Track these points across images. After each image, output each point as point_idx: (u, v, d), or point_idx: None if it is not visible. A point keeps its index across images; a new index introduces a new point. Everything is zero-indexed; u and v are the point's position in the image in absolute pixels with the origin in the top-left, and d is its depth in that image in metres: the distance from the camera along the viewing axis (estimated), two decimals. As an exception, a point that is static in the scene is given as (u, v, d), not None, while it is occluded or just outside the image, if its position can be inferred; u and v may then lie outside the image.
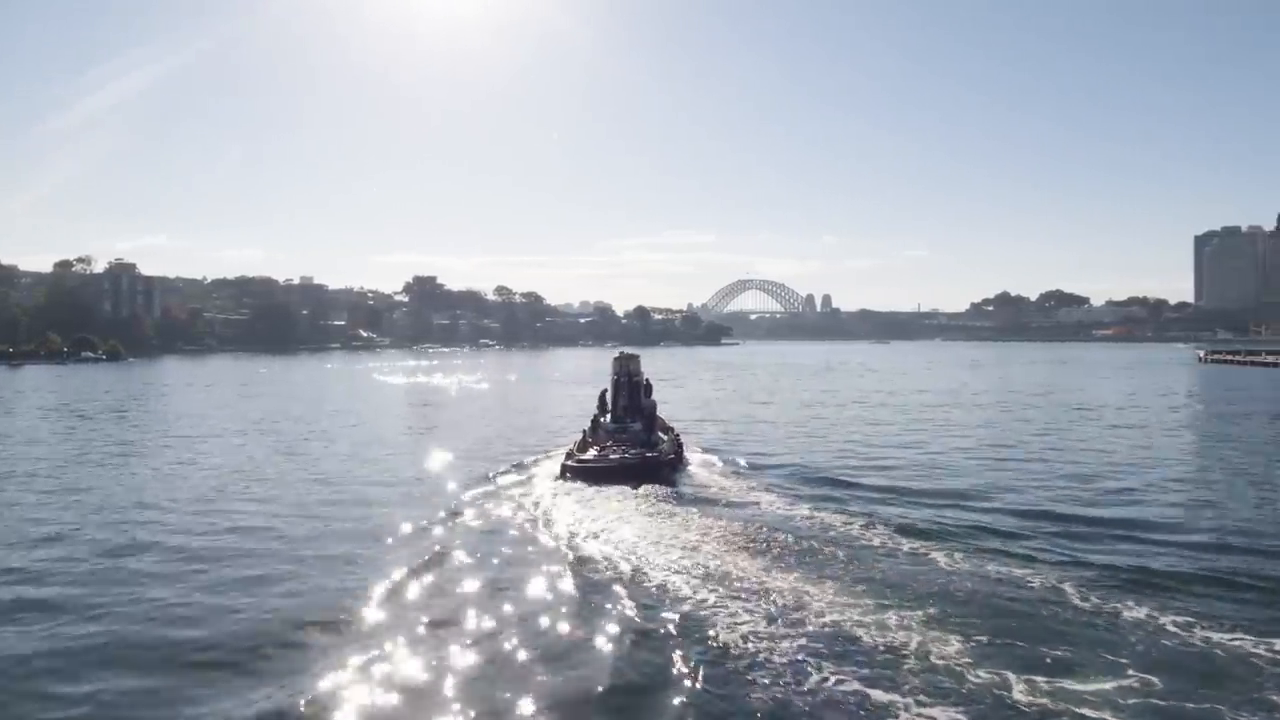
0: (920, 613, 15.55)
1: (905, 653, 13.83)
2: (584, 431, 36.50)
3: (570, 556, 20.16)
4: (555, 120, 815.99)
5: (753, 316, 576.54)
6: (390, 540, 22.40)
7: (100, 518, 25.62)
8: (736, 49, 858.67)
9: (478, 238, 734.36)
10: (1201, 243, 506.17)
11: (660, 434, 36.16)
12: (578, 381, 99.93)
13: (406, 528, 23.60)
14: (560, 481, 30.28)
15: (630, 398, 37.69)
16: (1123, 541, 21.51)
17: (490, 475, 32.28)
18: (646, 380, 38.95)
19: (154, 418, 60.73)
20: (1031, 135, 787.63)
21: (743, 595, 16.72)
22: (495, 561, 20.15)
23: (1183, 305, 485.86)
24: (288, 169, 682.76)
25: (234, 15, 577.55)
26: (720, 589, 17.12)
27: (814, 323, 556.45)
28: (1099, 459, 36.85)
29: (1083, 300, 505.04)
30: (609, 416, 37.45)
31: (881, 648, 14.06)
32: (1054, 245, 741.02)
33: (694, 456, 36.07)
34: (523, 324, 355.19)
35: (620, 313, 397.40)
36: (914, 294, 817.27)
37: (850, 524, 22.93)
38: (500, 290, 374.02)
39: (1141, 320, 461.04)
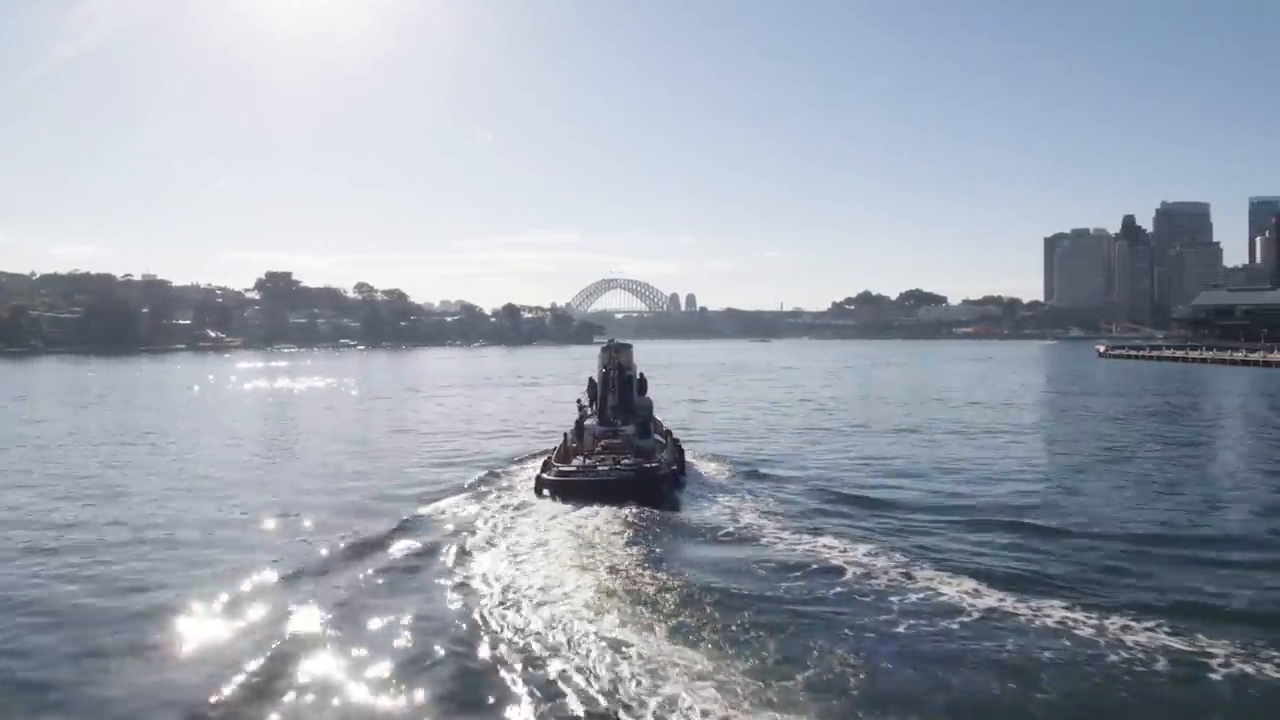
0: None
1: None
2: (566, 435, 32.55)
3: (507, 623, 15.51)
4: (415, 117, 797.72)
5: (618, 316, 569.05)
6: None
7: None
8: (596, 48, 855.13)
9: (336, 236, 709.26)
10: (1051, 244, 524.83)
11: (657, 438, 32.12)
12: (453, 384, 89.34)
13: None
14: (535, 497, 26.29)
15: (621, 395, 33.35)
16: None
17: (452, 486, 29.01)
18: (640, 375, 34.74)
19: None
20: (886, 137, 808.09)
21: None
22: (402, 623, 15.92)
23: (1035, 304, 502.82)
24: (130, 163, 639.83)
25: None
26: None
27: (682, 322, 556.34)
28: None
29: (941, 299, 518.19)
30: (595, 417, 32.73)
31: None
32: (911, 246, 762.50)
33: (703, 467, 32.58)
34: (386, 323, 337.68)
35: (489, 311, 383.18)
36: (775, 293, 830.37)
37: (882, 568, 18.49)
38: (361, 287, 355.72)
39: (997, 318, 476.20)
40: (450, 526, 23.23)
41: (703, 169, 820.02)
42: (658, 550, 20.29)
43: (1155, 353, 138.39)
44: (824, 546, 20.29)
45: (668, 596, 16.65)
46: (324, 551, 20.91)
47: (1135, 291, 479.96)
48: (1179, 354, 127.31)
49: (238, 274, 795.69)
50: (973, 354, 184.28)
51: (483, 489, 28.77)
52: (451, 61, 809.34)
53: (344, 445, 43.90)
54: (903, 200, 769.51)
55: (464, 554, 20.20)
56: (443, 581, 18.34)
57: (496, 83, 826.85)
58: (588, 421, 32.21)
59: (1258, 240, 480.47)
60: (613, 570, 18.48)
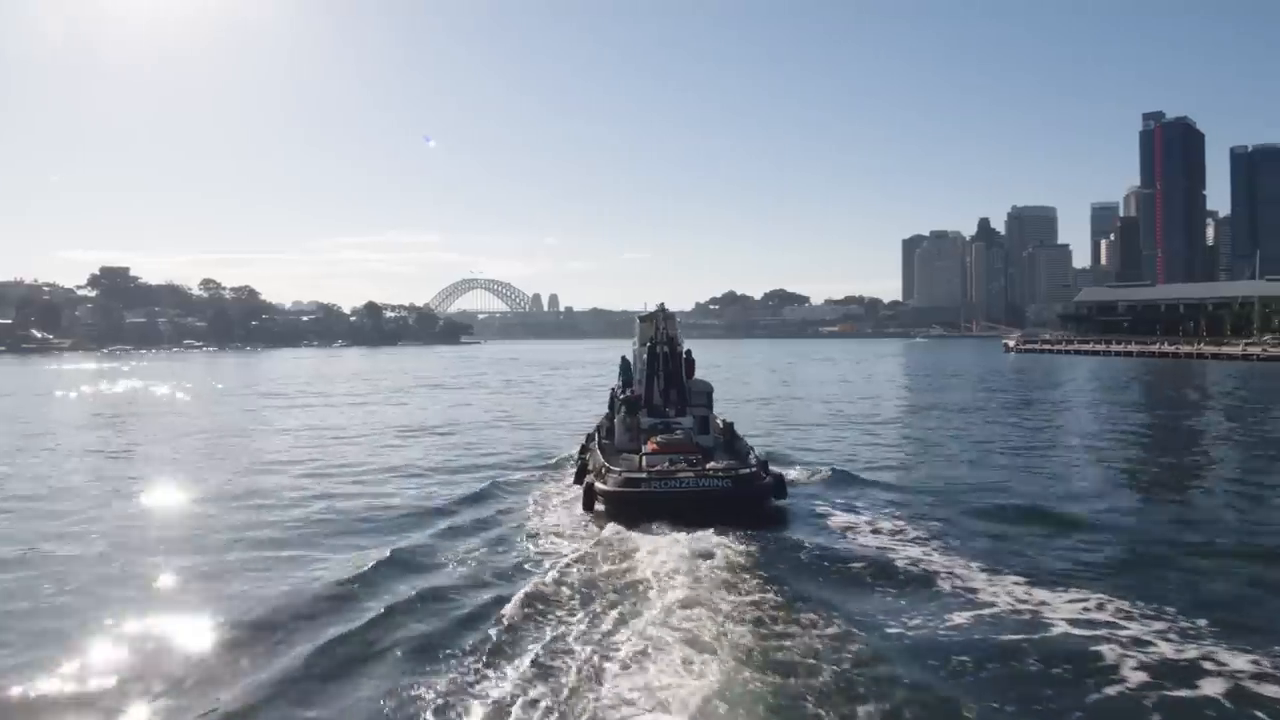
0: None
1: None
2: (599, 430, 28.00)
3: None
4: (262, 114, 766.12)
5: (481, 316, 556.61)
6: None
7: None
8: (447, 47, 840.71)
9: (179, 234, 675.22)
10: (910, 245, 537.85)
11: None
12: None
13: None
14: (583, 513, 21.18)
15: (672, 376, 27.30)
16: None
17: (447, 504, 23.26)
18: (688, 351, 28.61)
19: None
20: (746, 141, 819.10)
21: None
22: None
23: (896, 304, 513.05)
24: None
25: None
26: None
27: (548, 322, 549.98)
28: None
29: (804, 299, 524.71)
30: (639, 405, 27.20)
31: None
32: (774, 247, 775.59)
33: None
34: (235, 323, 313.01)
35: (348, 310, 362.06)
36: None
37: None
38: (207, 284, 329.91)
39: (860, 317, 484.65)
40: (448, 569, 16.97)
41: (562, 170, 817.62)
42: (804, 612, 13.72)
43: (1072, 346, 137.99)
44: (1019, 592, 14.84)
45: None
46: (258, 612, 14.51)
47: (991, 291, 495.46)
48: (1100, 347, 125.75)
49: (73, 273, 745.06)
50: (872, 352, 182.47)
51: (493, 504, 23.39)
52: (299, 59, 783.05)
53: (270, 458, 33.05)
54: (764, 202, 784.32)
55: (482, 619, 13.79)
56: (443, 662, 12.32)
57: (347, 81, 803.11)
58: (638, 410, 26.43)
59: (1102, 243, 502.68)
60: (734, 652, 12.14)
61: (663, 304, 29.21)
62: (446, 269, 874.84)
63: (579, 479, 24.00)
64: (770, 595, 14.54)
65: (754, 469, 21.56)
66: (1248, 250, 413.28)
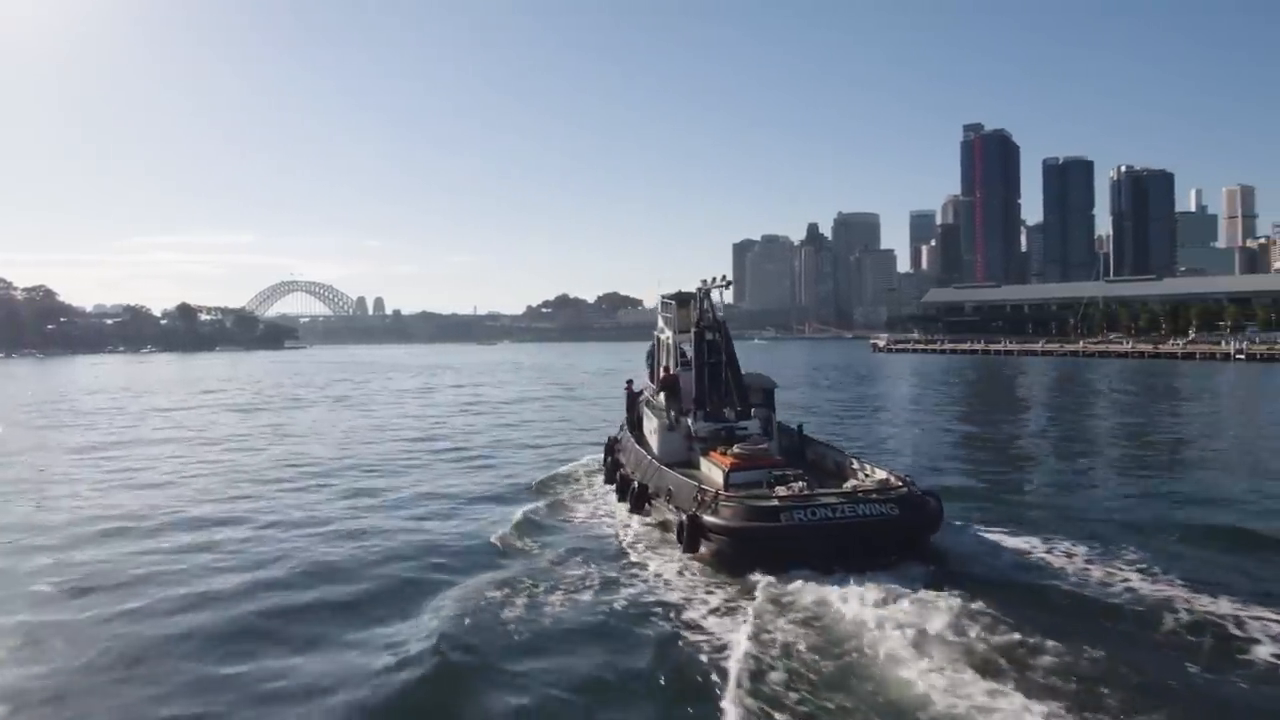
0: None
1: None
2: (632, 439, 23.42)
3: None
4: (58, 111, 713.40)
5: (304, 319, 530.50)
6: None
7: None
8: (257, 43, 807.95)
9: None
10: (740, 250, 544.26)
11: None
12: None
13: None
14: (689, 561, 16.40)
15: (726, 368, 22.11)
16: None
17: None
18: None
19: None
20: (571, 143, 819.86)
21: None
22: None
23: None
24: None
25: None
26: None
27: (375, 325, 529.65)
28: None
29: (637, 302, 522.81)
30: (687, 407, 22.05)
31: None
32: (605, 252, 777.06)
33: None
34: (28, 325, 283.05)
35: (159, 313, 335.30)
36: (467, 297, 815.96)
37: None
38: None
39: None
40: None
41: (381, 171, 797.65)
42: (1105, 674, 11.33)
43: (947, 346, 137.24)
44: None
45: None
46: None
47: (820, 294, 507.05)
48: (978, 346, 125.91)
49: None
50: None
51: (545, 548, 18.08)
52: (104, 57, 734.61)
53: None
54: (595, 207, 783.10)
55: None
56: None
57: (153, 78, 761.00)
58: (684, 414, 22.03)
59: (923, 248, 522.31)
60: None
61: (725, 275, 23.78)
62: (262, 271, 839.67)
63: (636, 507, 20.00)
64: (1043, 659, 11.69)
65: (909, 484, 16.94)
66: (1058, 255, 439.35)
